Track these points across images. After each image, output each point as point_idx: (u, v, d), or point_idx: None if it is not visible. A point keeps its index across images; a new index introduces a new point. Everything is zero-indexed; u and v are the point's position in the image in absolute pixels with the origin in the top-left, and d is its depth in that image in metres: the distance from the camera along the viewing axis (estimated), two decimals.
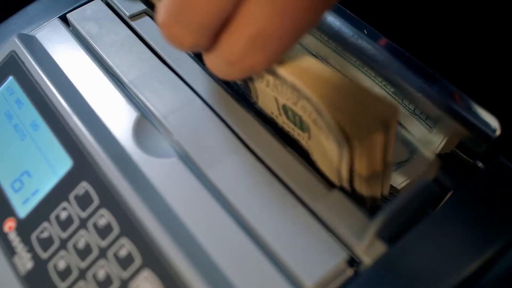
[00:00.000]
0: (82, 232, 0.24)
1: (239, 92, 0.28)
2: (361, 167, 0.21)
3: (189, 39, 0.20)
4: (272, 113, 0.25)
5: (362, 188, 0.23)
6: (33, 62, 0.29)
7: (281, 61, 0.21)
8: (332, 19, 0.29)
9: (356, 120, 0.19)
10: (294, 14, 0.18)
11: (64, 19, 0.32)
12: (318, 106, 0.19)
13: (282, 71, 0.20)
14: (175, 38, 0.20)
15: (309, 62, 0.20)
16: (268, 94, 0.23)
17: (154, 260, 0.22)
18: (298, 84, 0.20)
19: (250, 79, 0.24)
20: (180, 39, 0.20)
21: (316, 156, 0.24)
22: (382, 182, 0.23)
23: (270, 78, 0.21)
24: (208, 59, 0.21)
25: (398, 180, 0.27)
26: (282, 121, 0.24)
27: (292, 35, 0.19)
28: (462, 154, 0.25)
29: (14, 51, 0.30)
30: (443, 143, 0.26)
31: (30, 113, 0.28)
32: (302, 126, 0.23)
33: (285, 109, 0.23)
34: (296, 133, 0.24)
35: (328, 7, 0.19)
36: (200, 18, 0.19)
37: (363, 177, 0.22)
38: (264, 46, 0.19)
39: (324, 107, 0.19)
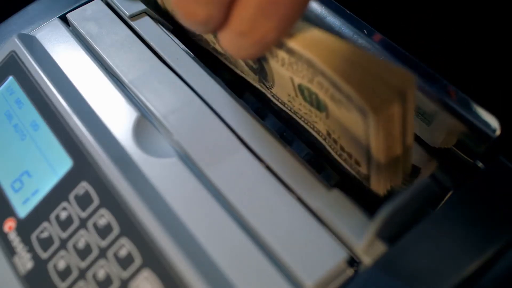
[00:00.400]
0: (82, 232, 0.24)
1: (239, 92, 0.28)
2: (378, 148, 0.20)
3: (203, 14, 0.20)
4: (289, 95, 0.25)
5: (380, 172, 0.22)
6: (33, 62, 0.29)
7: (292, 35, 0.21)
8: (332, 19, 0.29)
9: (372, 92, 0.18)
10: None
11: (64, 19, 0.32)
12: (334, 79, 0.19)
13: (295, 44, 0.20)
14: (190, 15, 0.21)
15: (320, 34, 0.20)
16: (284, 76, 0.23)
17: (154, 260, 0.22)
18: (313, 58, 0.19)
19: (265, 60, 0.23)
20: (195, 14, 0.20)
21: (338, 134, 0.24)
22: (403, 166, 0.22)
23: (285, 56, 0.21)
24: (221, 37, 0.21)
25: None
26: (299, 103, 0.24)
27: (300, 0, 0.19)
28: (462, 154, 0.25)
29: (14, 51, 0.30)
30: (442, 139, 0.26)
31: (30, 113, 0.28)
32: (319, 105, 0.23)
33: (301, 89, 0.23)
34: (313, 114, 0.24)
35: None
36: None
37: (381, 163, 0.21)
38: (273, 12, 0.19)
39: (340, 79, 0.19)
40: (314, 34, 0.20)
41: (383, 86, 0.18)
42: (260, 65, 0.25)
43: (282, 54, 0.21)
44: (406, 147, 0.21)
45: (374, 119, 0.18)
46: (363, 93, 0.18)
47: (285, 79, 0.23)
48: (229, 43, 0.21)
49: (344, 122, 0.21)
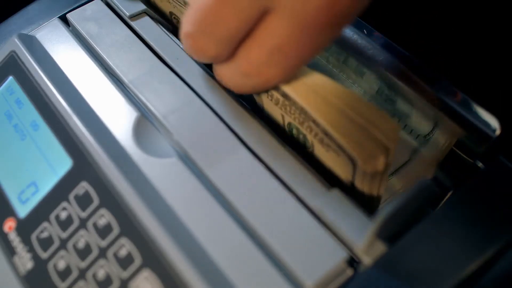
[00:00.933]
0: (82, 232, 0.24)
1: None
2: (362, 186, 0.22)
3: (213, 51, 0.20)
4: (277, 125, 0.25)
5: (364, 187, 0.23)
6: (33, 62, 0.29)
7: (290, 80, 0.21)
8: None
9: (361, 146, 0.20)
10: (315, 30, 0.18)
11: (64, 19, 0.32)
12: (327, 129, 0.20)
13: (292, 91, 0.21)
14: (199, 50, 0.20)
15: (317, 81, 0.21)
16: (275, 111, 0.24)
17: (154, 260, 0.22)
18: (307, 108, 0.21)
19: (258, 94, 0.24)
20: (204, 50, 0.20)
21: (324, 160, 0.24)
22: (380, 183, 0.23)
23: (280, 97, 0.22)
24: (222, 70, 0.21)
25: (397, 185, 0.27)
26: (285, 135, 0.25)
27: (311, 50, 0.19)
28: (462, 154, 0.25)
29: (14, 51, 0.30)
30: (443, 143, 0.26)
31: (30, 113, 0.28)
32: (306, 143, 0.24)
33: (290, 127, 0.24)
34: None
35: (347, 23, 0.19)
36: (227, 30, 0.19)
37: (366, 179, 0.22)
38: (283, 60, 0.19)
39: (333, 131, 0.20)
40: (311, 80, 0.21)
41: (371, 142, 0.20)
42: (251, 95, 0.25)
43: (277, 95, 0.22)
44: (382, 186, 0.23)
45: (362, 169, 0.21)
46: (354, 147, 0.20)
47: (276, 113, 0.24)
48: (229, 78, 0.21)
49: (330, 162, 0.23)
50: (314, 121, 0.21)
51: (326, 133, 0.21)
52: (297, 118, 0.22)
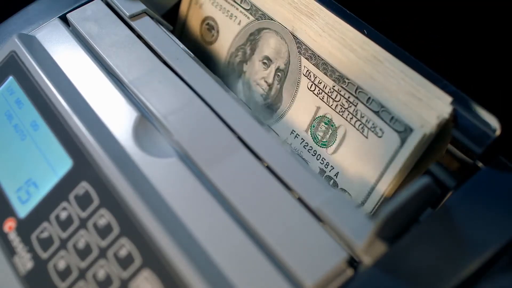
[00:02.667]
0: (82, 232, 0.24)
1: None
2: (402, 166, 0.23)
3: None
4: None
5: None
6: (33, 62, 0.29)
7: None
8: None
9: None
10: None
11: (64, 19, 0.32)
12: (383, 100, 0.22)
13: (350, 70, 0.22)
14: None
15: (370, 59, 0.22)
16: (309, 103, 0.24)
17: (154, 260, 0.22)
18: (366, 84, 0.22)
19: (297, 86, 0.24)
20: None
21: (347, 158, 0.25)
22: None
23: (329, 83, 0.22)
24: None
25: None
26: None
27: None
28: (462, 154, 0.25)
29: (14, 51, 0.30)
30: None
31: (30, 113, 0.28)
32: (331, 140, 0.24)
33: (322, 121, 0.24)
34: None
35: None
36: None
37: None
38: None
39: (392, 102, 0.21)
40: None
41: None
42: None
43: (328, 80, 0.22)
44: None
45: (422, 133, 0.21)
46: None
47: (308, 106, 0.24)
48: None
49: (359, 152, 0.23)
50: (368, 99, 0.21)
51: (382, 106, 0.21)
52: (345, 103, 0.22)
